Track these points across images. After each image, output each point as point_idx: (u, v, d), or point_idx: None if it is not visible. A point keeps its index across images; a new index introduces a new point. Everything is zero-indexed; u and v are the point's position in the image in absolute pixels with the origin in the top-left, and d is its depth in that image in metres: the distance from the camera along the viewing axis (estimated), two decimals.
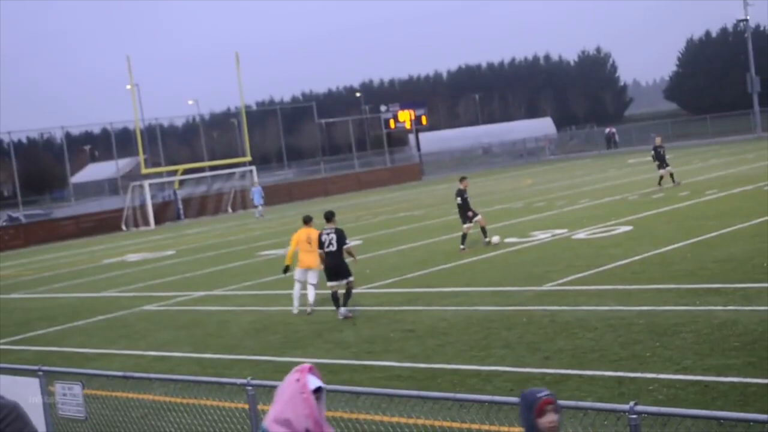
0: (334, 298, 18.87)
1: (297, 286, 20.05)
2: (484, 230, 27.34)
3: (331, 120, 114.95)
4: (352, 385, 12.22)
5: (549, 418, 5.64)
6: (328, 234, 18.84)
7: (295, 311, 19.89)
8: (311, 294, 19.86)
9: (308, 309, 19.80)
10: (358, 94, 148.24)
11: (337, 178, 79.26)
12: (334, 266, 18.85)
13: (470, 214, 26.96)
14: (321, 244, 18.96)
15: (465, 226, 26.93)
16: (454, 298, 19.47)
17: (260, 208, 56.03)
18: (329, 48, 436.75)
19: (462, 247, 26.55)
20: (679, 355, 12.80)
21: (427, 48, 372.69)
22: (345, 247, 18.87)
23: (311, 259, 19.78)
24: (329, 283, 19.07)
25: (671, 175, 39.71)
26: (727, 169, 46.56)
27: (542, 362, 13.35)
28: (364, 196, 66.12)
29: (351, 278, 18.94)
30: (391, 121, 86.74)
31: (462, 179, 28.00)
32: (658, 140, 41.03)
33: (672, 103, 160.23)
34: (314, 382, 5.22)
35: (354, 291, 21.04)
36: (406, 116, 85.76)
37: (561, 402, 7.81)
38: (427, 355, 14.69)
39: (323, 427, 5.07)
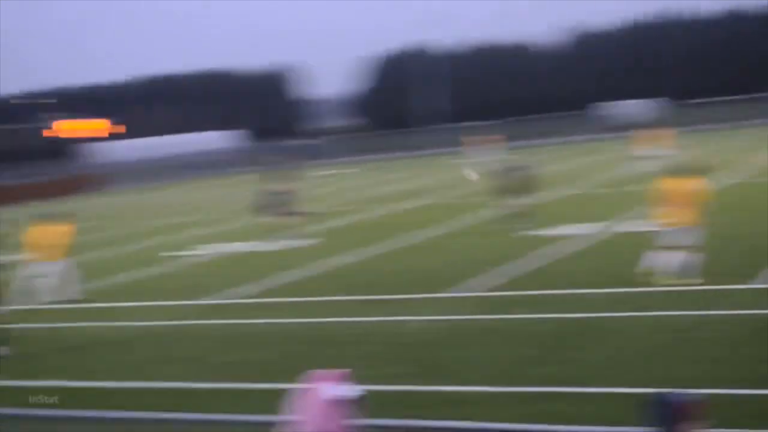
0: None
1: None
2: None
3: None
4: None
5: None
6: None
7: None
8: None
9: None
10: (29, 102, 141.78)
11: None
12: None
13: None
14: None
15: None
16: (124, 314, 18.57)
17: None
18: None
19: None
20: (349, 365, 12.66)
21: (115, 55, 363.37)
22: None
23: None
24: None
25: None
26: (408, 183, 48.13)
27: (210, 375, 12.83)
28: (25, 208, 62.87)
29: None
30: (65, 129, 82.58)
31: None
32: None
33: (358, 118, 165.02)
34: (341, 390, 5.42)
35: None
36: (86, 125, 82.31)
37: (210, 416, 7.35)
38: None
39: None
